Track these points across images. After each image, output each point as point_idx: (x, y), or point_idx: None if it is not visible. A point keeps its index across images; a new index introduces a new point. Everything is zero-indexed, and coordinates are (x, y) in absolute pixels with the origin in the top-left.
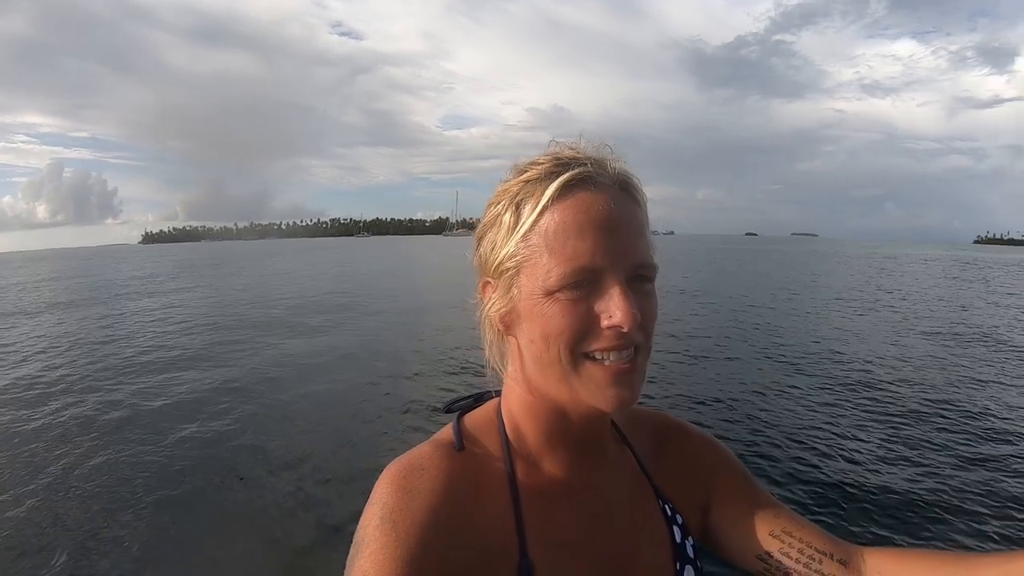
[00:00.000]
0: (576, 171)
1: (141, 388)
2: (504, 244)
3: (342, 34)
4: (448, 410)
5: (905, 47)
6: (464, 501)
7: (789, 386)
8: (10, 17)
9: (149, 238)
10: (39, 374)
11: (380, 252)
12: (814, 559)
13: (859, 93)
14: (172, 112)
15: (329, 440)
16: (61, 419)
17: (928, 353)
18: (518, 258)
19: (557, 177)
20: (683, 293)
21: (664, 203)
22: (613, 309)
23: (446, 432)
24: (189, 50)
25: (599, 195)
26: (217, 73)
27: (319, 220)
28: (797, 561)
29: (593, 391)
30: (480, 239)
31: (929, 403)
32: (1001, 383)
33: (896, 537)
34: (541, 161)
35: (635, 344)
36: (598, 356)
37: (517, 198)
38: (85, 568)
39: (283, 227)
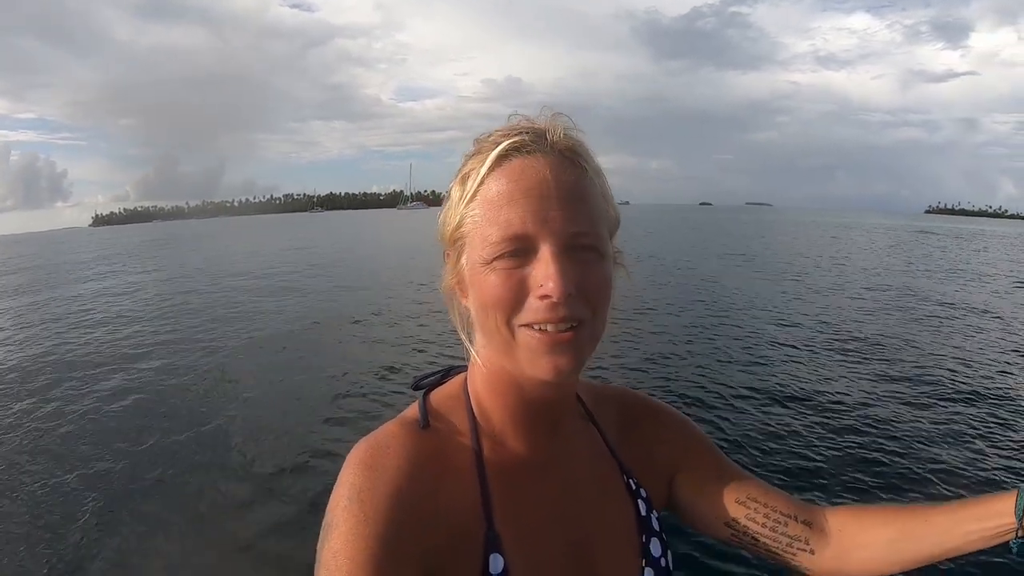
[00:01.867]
0: (512, 140)
1: (100, 379)
2: (453, 215)
3: (293, 6)
4: (416, 387)
5: (860, 20)
6: (430, 479)
7: (751, 355)
8: None
9: (99, 220)
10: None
11: (331, 233)
12: (780, 522)
13: (814, 65)
14: (120, 90)
15: (297, 425)
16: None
17: (887, 321)
18: (464, 228)
19: (494, 148)
20: (639, 261)
21: (619, 173)
22: (544, 277)
23: (412, 410)
24: (136, 24)
25: (534, 162)
26: (166, 48)
27: (272, 196)
28: (763, 525)
29: (530, 360)
30: (442, 212)
31: (886, 368)
32: (950, 344)
33: (855, 498)
34: (493, 135)
35: (577, 318)
36: (535, 327)
37: (465, 170)
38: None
39: (235, 204)
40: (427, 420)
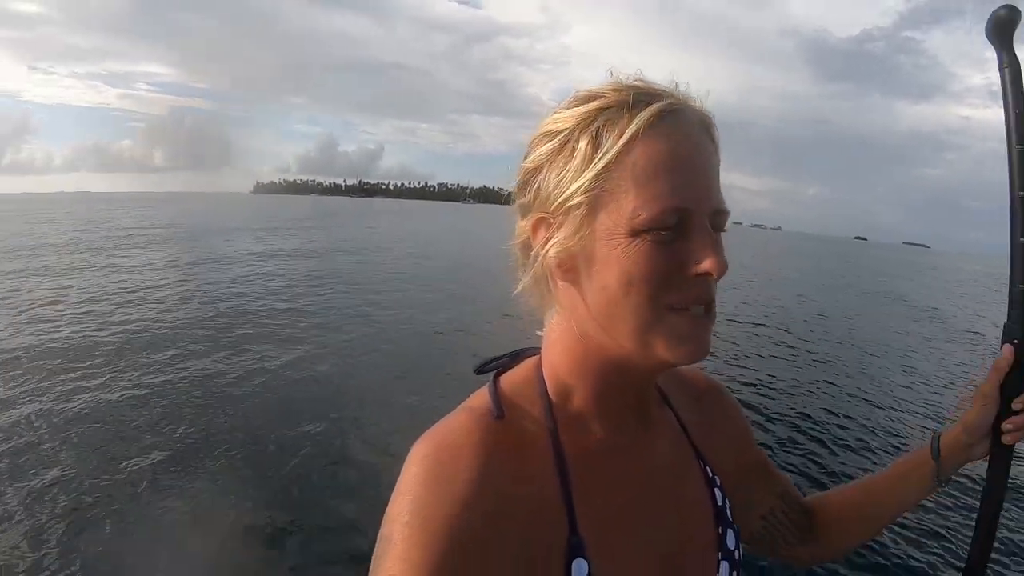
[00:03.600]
0: (667, 102)
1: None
2: (578, 176)
3: (461, 1)
4: (480, 371)
5: None
6: (506, 482)
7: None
8: None
9: (260, 188)
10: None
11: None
12: (799, 514)
13: (987, 100)
14: (289, 69)
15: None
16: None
17: None
18: (595, 192)
19: (645, 106)
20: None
21: (771, 197)
22: (704, 254)
23: (481, 397)
24: (305, 9)
25: (688, 131)
26: (334, 32)
27: (427, 184)
28: (790, 519)
29: (672, 344)
30: (536, 170)
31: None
32: None
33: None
34: (615, 89)
35: (712, 299)
36: (678, 306)
37: (594, 125)
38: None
39: (391, 187)
40: (501, 409)
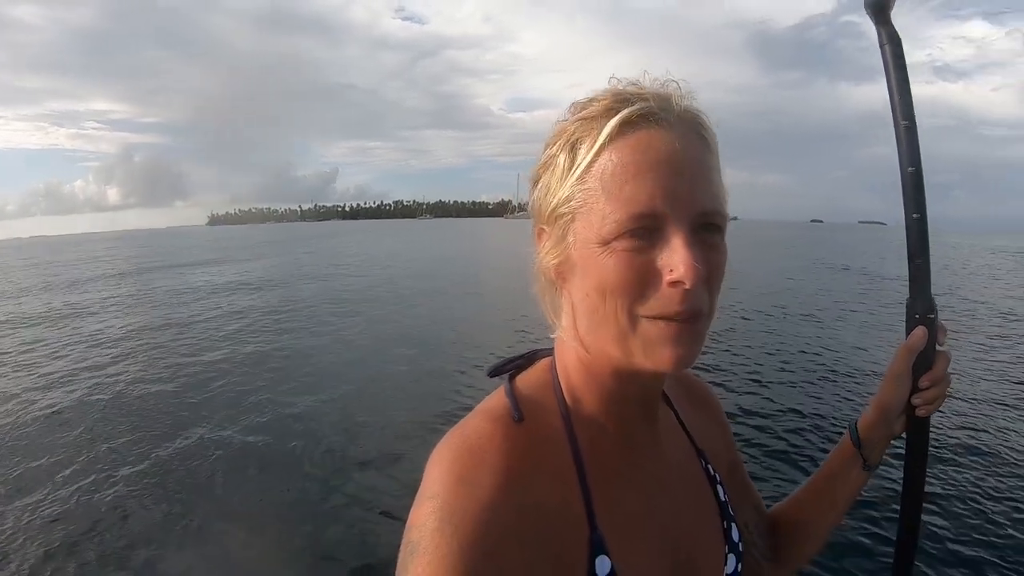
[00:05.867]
0: (637, 107)
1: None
2: (559, 187)
3: (405, 19)
4: (494, 373)
5: (978, 28)
6: (531, 485)
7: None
8: (79, 11)
9: (215, 219)
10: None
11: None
12: (768, 529)
13: (930, 76)
14: (240, 96)
15: (377, 414)
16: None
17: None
18: (573, 203)
19: (616, 113)
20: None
21: (728, 188)
22: (675, 262)
23: (499, 399)
24: (254, 35)
25: (662, 133)
26: (282, 58)
27: (382, 202)
28: (760, 531)
29: (649, 351)
30: (535, 182)
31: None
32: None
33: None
34: (601, 98)
35: (700, 306)
36: (654, 315)
37: (573, 137)
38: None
39: (347, 209)
40: (520, 412)
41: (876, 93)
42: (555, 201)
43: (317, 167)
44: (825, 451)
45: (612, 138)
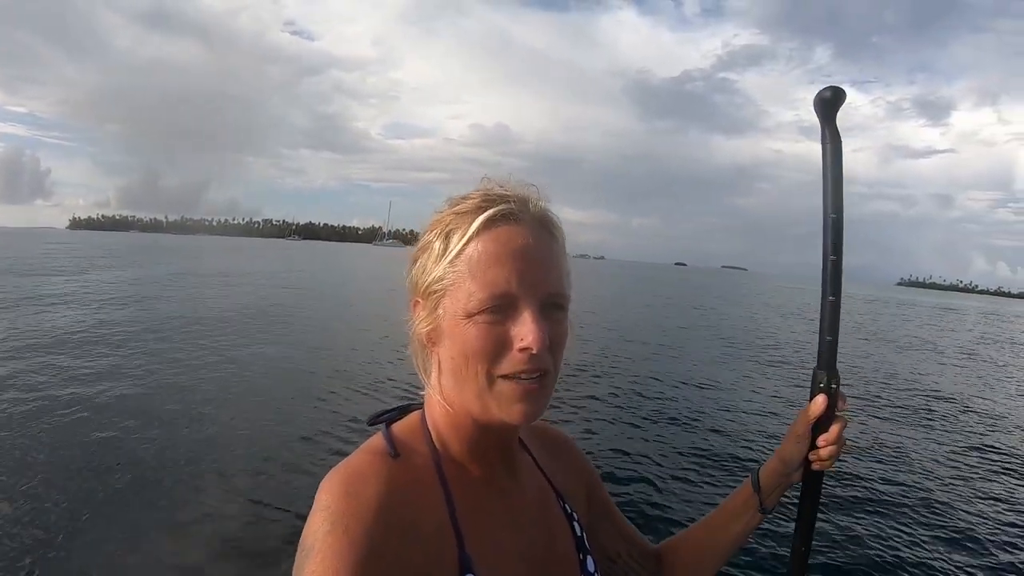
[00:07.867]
0: (501, 207)
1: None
2: (434, 268)
3: (294, 32)
4: (373, 422)
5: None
6: (406, 505)
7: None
8: None
9: (77, 224)
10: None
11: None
12: (647, 560)
13: (797, 135)
14: (113, 95)
15: (254, 455)
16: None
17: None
18: (444, 282)
19: (484, 211)
20: (594, 314)
21: (599, 229)
22: (525, 333)
23: (377, 441)
24: (136, 32)
25: (519, 229)
26: (162, 59)
27: (251, 220)
28: (638, 563)
29: (504, 406)
30: (414, 261)
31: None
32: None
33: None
34: (472, 196)
35: (545, 368)
36: (512, 377)
37: (448, 227)
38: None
39: (214, 224)
40: (396, 450)
41: (746, 147)
42: (430, 279)
43: (186, 177)
44: (686, 490)
45: (479, 231)
